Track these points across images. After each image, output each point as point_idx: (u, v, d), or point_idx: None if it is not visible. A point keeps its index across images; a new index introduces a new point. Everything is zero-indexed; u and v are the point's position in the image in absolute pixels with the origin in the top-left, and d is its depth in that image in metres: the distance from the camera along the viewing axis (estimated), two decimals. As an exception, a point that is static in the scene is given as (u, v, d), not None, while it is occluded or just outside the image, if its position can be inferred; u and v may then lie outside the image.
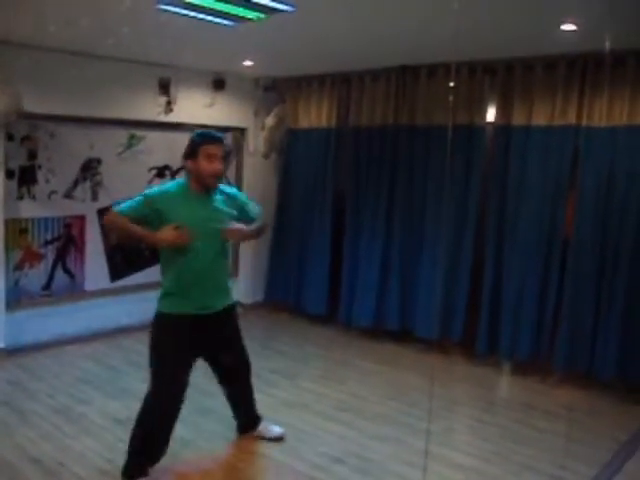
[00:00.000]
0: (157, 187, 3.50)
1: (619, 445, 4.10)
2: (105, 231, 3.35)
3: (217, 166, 3.33)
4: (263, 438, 3.92)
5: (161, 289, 3.45)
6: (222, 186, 3.55)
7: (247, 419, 3.95)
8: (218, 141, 3.39)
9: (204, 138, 3.36)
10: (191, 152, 3.35)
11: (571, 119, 4.96)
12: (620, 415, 4.58)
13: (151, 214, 3.28)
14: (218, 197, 3.47)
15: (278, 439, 3.91)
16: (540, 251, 5.16)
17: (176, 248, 3.29)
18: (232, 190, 3.66)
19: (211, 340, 3.52)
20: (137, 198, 3.35)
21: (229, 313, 3.61)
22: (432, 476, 3.56)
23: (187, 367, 3.46)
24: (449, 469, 3.71)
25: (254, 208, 3.70)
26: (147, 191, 3.41)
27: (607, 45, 3.63)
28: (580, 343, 4.95)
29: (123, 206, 3.33)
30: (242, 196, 3.71)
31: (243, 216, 3.58)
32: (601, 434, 4.25)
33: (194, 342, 3.44)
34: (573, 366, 5.02)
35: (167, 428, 3.42)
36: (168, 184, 3.52)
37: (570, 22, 3.93)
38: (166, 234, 3.24)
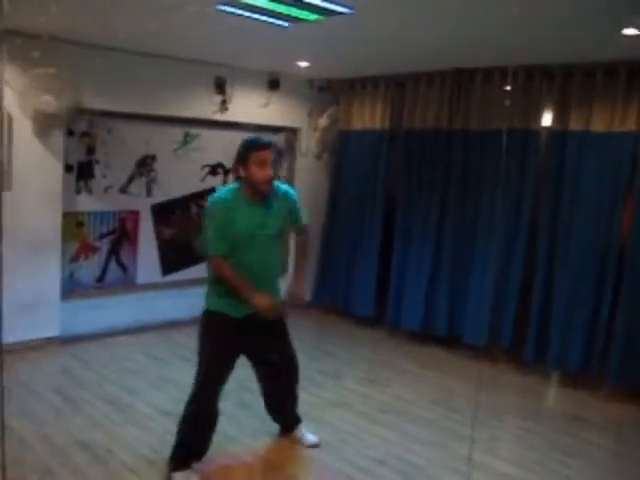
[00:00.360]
0: (215, 201, 3.41)
1: (671, 463, 3.98)
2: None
3: (268, 172, 3.32)
4: (298, 442, 3.90)
5: (209, 287, 3.48)
6: (276, 183, 3.51)
7: (285, 420, 3.94)
8: (267, 147, 3.37)
9: (253, 144, 3.35)
10: (241, 159, 3.35)
11: (631, 126, 4.83)
12: (674, 432, 4.45)
13: (227, 227, 3.32)
14: (271, 199, 3.45)
15: (314, 446, 3.88)
16: (594, 260, 5.04)
17: (237, 251, 3.33)
18: (286, 188, 3.62)
19: (258, 341, 3.54)
20: (217, 225, 3.31)
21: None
22: (475, 483, 3.54)
23: (231, 366, 3.51)
24: (493, 477, 3.66)
25: (303, 213, 3.69)
26: (213, 211, 3.37)
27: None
28: (634, 356, 4.82)
29: (218, 247, 3.31)
30: (294, 196, 3.64)
31: (292, 220, 3.60)
32: (653, 451, 4.14)
33: (241, 342, 3.48)
34: (626, 380, 4.89)
35: (209, 423, 3.47)
36: (222, 193, 3.45)
37: (633, 26, 3.83)
38: (263, 303, 3.32)
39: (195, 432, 3.46)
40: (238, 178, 3.43)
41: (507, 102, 5.46)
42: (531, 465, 3.86)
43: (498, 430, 4.39)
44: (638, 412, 4.78)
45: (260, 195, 3.38)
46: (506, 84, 5.43)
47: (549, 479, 3.69)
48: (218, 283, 3.40)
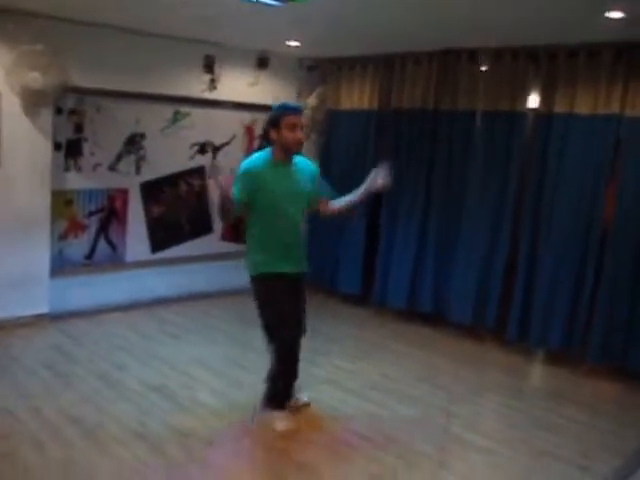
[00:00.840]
0: (247, 161, 3.68)
1: (646, 438, 4.11)
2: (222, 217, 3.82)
3: (299, 134, 3.56)
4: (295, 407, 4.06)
5: (253, 253, 3.72)
6: (298, 157, 3.75)
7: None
8: (298, 111, 3.62)
9: (285, 109, 3.59)
10: (274, 123, 3.57)
11: (615, 108, 4.89)
12: (650, 408, 4.58)
13: (253, 187, 3.55)
14: (297, 165, 3.72)
15: (306, 405, 4.11)
16: (577, 240, 5.13)
17: (268, 212, 3.61)
18: (306, 161, 3.86)
19: (296, 297, 3.81)
20: (241, 179, 3.56)
21: (304, 278, 3.92)
22: (456, 458, 3.64)
23: (296, 317, 3.78)
24: (474, 452, 3.76)
25: (326, 187, 3.91)
26: (244, 168, 3.61)
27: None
28: (615, 334, 4.93)
29: (236, 195, 3.51)
30: (316, 169, 3.91)
31: (313, 188, 3.80)
32: (629, 426, 4.25)
33: (291, 294, 3.75)
34: (606, 358, 5.01)
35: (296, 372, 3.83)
36: (255, 156, 3.70)
37: (617, 9, 3.88)
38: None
39: (287, 384, 3.83)
40: (268, 143, 3.66)
41: (490, 83, 5.51)
42: (511, 441, 3.97)
43: (481, 407, 4.49)
44: (616, 389, 4.91)
45: (289, 157, 3.63)
46: (492, 66, 5.47)
47: (528, 454, 3.79)
48: (263, 247, 3.67)
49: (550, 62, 5.23)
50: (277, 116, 3.57)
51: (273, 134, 3.58)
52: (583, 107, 5.05)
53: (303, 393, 4.13)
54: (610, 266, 4.94)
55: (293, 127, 3.53)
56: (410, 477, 3.46)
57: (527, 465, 3.66)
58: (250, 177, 3.57)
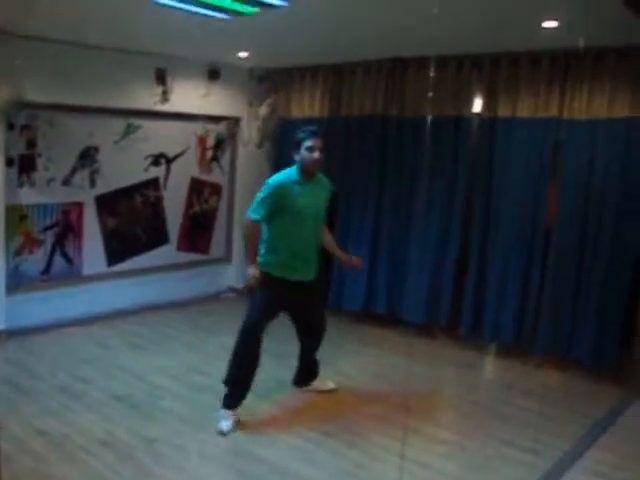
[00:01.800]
0: (273, 179, 4.07)
1: (593, 422, 4.34)
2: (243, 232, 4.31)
3: (315, 156, 3.98)
4: (317, 390, 4.59)
5: (266, 254, 4.10)
6: (321, 175, 4.21)
7: (308, 373, 4.63)
8: (314, 135, 4.02)
9: (305, 133, 4.03)
10: (296, 145, 4.04)
11: (553, 112, 5.16)
12: (595, 394, 4.83)
13: (275, 205, 3.97)
14: (318, 183, 4.17)
15: (333, 390, 4.62)
16: (523, 239, 5.37)
17: (289, 224, 4.02)
18: (327, 180, 4.30)
19: (301, 302, 4.23)
20: (266, 196, 3.98)
21: (316, 283, 4.31)
22: (416, 450, 3.79)
23: (272, 318, 4.15)
24: (432, 443, 3.94)
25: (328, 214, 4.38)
26: (269, 188, 4.00)
27: (581, 42, 3.81)
28: (560, 327, 5.18)
29: (257, 212, 3.99)
30: (332, 189, 4.36)
31: (328, 205, 4.30)
32: (576, 412, 4.49)
33: (286, 301, 4.16)
34: (553, 349, 5.25)
35: (253, 361, 4.07)
36: (282, 174, 4.10)
37: (552, 19, 4.12)
38: (250, 275, 4.03)
39: (240, 371, 4.05)
40: (294, 162, 4.08)
41: (437, 90, 5.72)
42: (467, 431, 4.16)
43: (437, 400, 4.68)
44: (565, 378, 5.17)
45: (309, 175, 4.05)
46: (439, 73, 5.68)
47: (483, 442, 3.99)
48: (278, 252, 4.06)
49: (493, 69, 5.47)
50: (298, 139, 4.03)
51: (296, 155, 4.03)
52: (524, 111, 5.30)
53: (328, 380, 4.65)
54: (554, 263, 5.19)
55: (311, 149, 3.97)
56: (375, 470, 3.61)
57: (484, 453, 3.85)
58: (277, 194, 3.97)
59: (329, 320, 6.39)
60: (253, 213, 4.00)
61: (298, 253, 4.07)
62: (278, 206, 3.97)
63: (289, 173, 4.09)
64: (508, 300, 5.46)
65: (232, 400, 4.03)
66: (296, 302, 4.21)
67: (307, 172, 4.04)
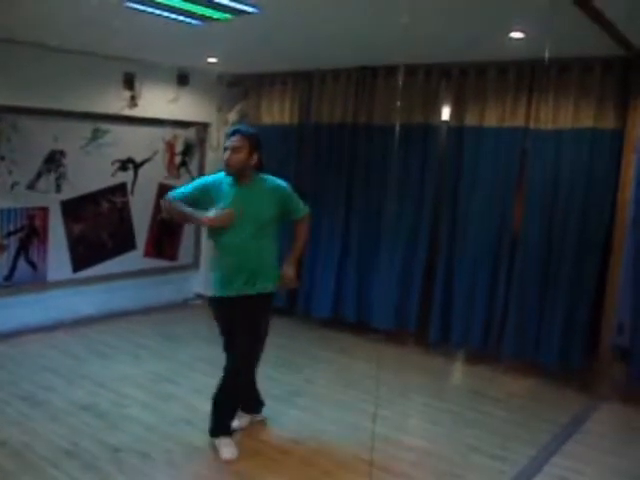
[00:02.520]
0: (207, 176, 3.93)
1: (559, 428, 4.38)
2: (161, 212, 4.09)
3: (225, 156, 3.66)
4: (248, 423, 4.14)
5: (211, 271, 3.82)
6: (270, 177, 3.82)
7: (253, 401, 4.16)
8: (232, 134, 3.71)
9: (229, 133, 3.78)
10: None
11: (520, 121, 5.23)
12: (561, 400, 4.89)
13: (202, 197, 3.70)
14: (261, 187, 3.74)
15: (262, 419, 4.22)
16: (490, 247, 5.42)
17: (218, 230, 3.66)
18: (278, 182, 3.84)
19: (237, 319, 3.72)
20: (192, 186, 3.82)
21: (260, 299, 3.73)
22: (385, 457, 3.78)
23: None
24: (401, 450, 3.94)
25: (300, 206, 3.92)
26: (200, 180, 3.89)
27: (547, 54, 3.86)
28: (526, 333, 5.24)
29: (177, 193, 3.81)
30: (287, 189, 3.85)
31: (287, 211, 3.83)
32: (543, 418, 4.53)
33: (231, 321, 3.75)
34: (520, 355, 5.31)
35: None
36: (219, 173, 3.79)
37: (518, 30, 4.18)
38: (211, 218, 3.62)
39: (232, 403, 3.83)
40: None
41: (406, 98, 5.76)
42: (435, 437, 4.17)
43: (406, 407, 4.68)
44: (532, 384, 5.21)
45: (236, 176, 3.68)
46: (407, 81, 5.72)
47: (452, 448, 4.00)
48: (214, 267, 3.76)
49: (461, 78, 5.53)
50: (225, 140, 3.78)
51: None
52: (492, 120, 5.36)
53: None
54: (520, 269, 5.25)
55: (226, 150, 3.67)
56: (344, 477, 3.59)
57: (451, 459, 3.86)
58: (205, 188, 3.74)
59: (298, 327, 6.48)
60: (174, 194, 3.81)
61: (233, 262, 3.64)
62: (203, 201, 3.67)
63: (221, 174, 3.77)
64: (475, 306, 5.51)
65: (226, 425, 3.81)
66: (236, 319, 3.72)
67: (228, 173, 3.68)
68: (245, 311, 3.69)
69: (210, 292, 3.81)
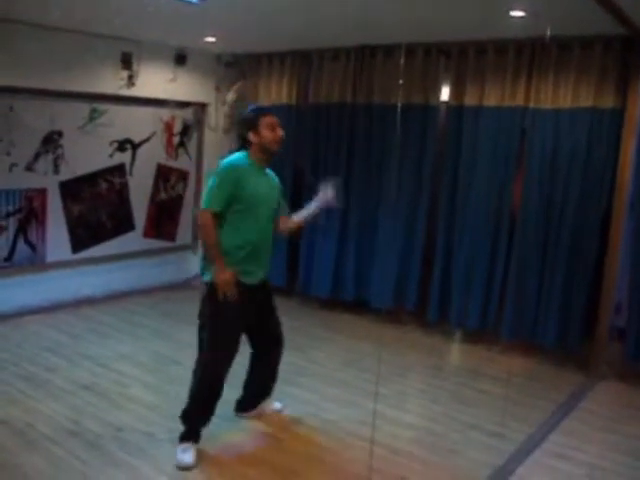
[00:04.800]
0: (228, 164, 3.48)
1: (556, 406, 4.43)
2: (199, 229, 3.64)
3: (279, 132, 3.54)
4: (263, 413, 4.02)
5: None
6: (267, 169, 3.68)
7: (258, 396, 4.00)
8: (272, 113, 3.62)
9: (261, 111, 3.68)
10: (251, 125, 3.50)
11: (519, 100, 5.21)
12: (559, 379, 4.94)
13: (234, 189, 3.40)
14: (270, 175, 3.68)
15: (279, 412, 4.05)
16: (489, 226, 5.43)
17: (246, 215, 3.45)
18: (273, 174, 3.75)
19: (257, 309, 3.65)
20: (221, 183, 3.39)
21: (267, 285, 3.75)
22: (384, 434, 3.82)
23: (241, 334, 3.63)
24: (400, 428, 3.98)
25: (284, 204, 3.83)
26: (225, 170, 3.44)
27: (548, 32, 3.86)
28: (524, 313, 5.27)
29: (215, 203, 3.38)
30: (279, 184, 3.80)
31: (280, 200, 3.75)
32: (540, 396, 4.58)
33: (247, 310, 3.57)
34: (518, 335, 5.34)
35: (218, 395, 3.55)
36: (234, 157, 3.53)
37: (519, 8, 4.16)
38: (224, 279, 3.39)
39: (208, 403, 3.55)
40: (244, 147, 3.54)
41: (405, 78, 5.73)
42: (434, 415, 4.22)
43: (404, 386, 4.72)
44: (529, 363, 5.25)
45: (266, 160, 3.58)
46: (406, 61, 5.69)
47: (449, 426, 4.05)
48: (230, 253, 3.44)
49: (460, 58, 5.51)
50: (254, 118, 3.52)
51: (252, 136, 3.49)
52: (491, 100, 5.35)
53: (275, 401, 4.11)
54: (518, 250, 5.26)
55: (272, 126, 3.50)
56: (345, 455, 3.64)
57: (450, 437, 3.91)
58: (234, 177, 3.41)
59: (297, 306, 6.51)
60: (211, 204, 3.39)
61: (256, 249, 3.51)
62: (235, 193, 3.40)
63: (243, 158, 3.53)
64: (474, 286, 5.53)
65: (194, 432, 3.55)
66: (256, 309, 3.65)
67: (268, 154, 3.54)
68: (271, 294, 3.79)
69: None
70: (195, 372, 3.56)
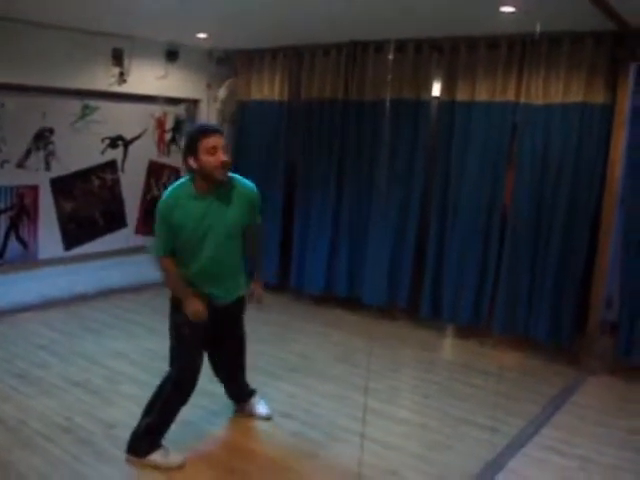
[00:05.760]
0: (162, 200, 3.28)
1: (548, 400, 4.46)
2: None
3: (221, 157, 3.16)
4: (250, 414, 3.96)
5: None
6: (238, 177, 3.40)
7: (241, 391, 3.98)
8: (216, 131, 3.24)
9: (200, 131, 3.23)
10: (190, 149, 3.18)
11: (510, 96, 5.22)
12: (550, 373, 4.96)
13: (170, 228, 3.24)
14: (228, 191, 3.31)
15: (266, 418, 3.94)
16: (481, 221, 5.44)
17: (188, 250, 3.29)
18: (248, 185, 3.42)
19: (218, 328, 3.55)
20: (159, 226, 3.28)
21: (239, 304, 3.62)
22: (376, 429, 3.84)
23: (202, 350, 3.56)
24: (392, 423, 4.00)
25: (258, 212, 3.54)
26: (159, 209, 3.27)
27: (538, 27, 3.86)
28: (516, 308, 5.29)
29: (159, 248, 3.31)
30: (256, 195, 3.45)
31: (249, 217, 3.43)
32: (532, 390, 4.60)
33: (207, 329, 3.46)
34: (510, 329, 5.36)
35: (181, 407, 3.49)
36: (171, 190, 3.30)
37: (508, 4, 4.16)
38: (192, 309, 3.31)
39: (170, 415, 3.49)
40: (190, 172, 3.26)
41: (396, 73, 5.74)
42: (425, 410, 4.24)
43: (396, 381, 4.74)
44: (521, 358, 5.28)
45: (215, 185, 3.23)
46: (397, 57, 5.70)
47: (441, 420, 4.07)
48: (185, 276, 3.36)
49: (452, 53, 5.51)
50: (193, 141, 3.18)
51: (191, 162, 3.18)
52: (483, 95, 5.36)
53: (262, 404, 4.01)
54: (510, 244, 5.28)
55: (213, 150, 3.14)
56: (336, 449, 3.65)
57: (442, 431, 3.93)
58: (167, 215, 3.22)
59: (290, 303, 6.52)
60: (157, 251, 3.31)
61: (209, 278, 3.37)
62: (173, 231, 3.23)
63: (182, 187, 3.27)
64: (466, 281, 5.54)
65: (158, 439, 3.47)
66: (216, 328, 3.54)
67: (211, 181, 3.20)
68: (233, 314, 3.65)
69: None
70: (164, 385, 3.48)
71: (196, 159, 3.17)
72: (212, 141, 3.15)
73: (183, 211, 3.21)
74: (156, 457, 3.38)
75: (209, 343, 3.61)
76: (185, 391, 3.46)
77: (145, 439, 3.41)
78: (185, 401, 3.47)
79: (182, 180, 3.34)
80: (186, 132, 3.20)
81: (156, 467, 3.36)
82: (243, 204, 3.35)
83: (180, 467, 3.38)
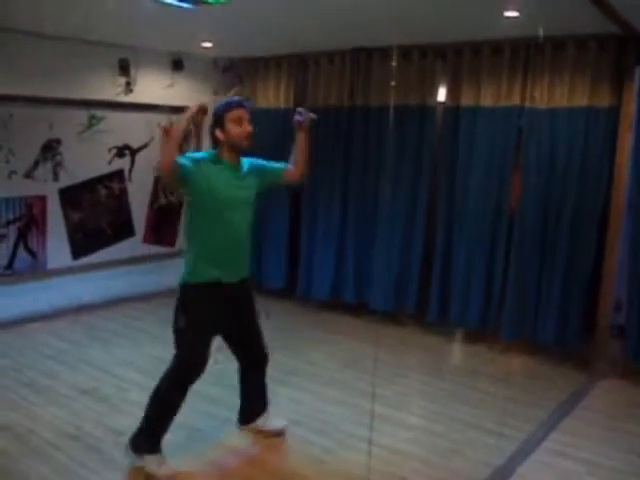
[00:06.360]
0: (196, 156, 3.36)
1: (557, 404, 4.43)
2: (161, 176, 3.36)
3: (247, 127, 3.33)
4: (262, 430, 3.85)
5: (186, 260, 3.40)
6: (243, 158, 3.50)
7: (255, 409, 3.87)
8: (241, 105, 3.37)
9: (227, 105, 3.34)
10: (217, 121, 3.32)
11: (515, 100, 5.23)
12: (559, 378, 4.93)
13: (194, 172, 3.21)
14: (244, 166, 3.46)
15: (279, 434, 3.85)
16: (488, 226, 5.44)
17: (211, 217, 3.29)
18: (250, 159, 3.56)
19: (233, 311, 3.52)
20: (187, 161, 3.23)
21: (245, 287, 3.58)
22: (384, 435, 3.83)
23: (211, 338, 3.47)
24: (400, 429, 3.99)
25: (277, 163, 3.72)
26: (193, 158, 3.29)
27: (541, 32, 3.86)
28: (524, 312, 5.27)
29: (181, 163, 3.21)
30: (259, 160, 3.61)
31: (269, 175, 3.62)
32: (540, 395, 4.58)
33: (221, 311, 3.44)
34: (518, 334, 5.34)
35: (182, 401, 3.43)
36: (201, 153, 3.46)
37: (512, 9, 4.17)
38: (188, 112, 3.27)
39: (172, 409, 3.43)
40: (215, 145, 3.37)
41: (401, 79, 5.75)
42: (434, 416, 4.22)
43: (404, 386, 4.73)
44: (529, 362, 5.26)
45: (239, 155, 3.39)
46: (402, 63, 5.71)
47: (449, 426, 4.06)
48: (198, 252, 3.34)
49: (456, 58, 5.52)
50: (220, 113, 3.31)
51: (219, 134, 3.31)
52: (487, 100, 5.36)
53: (276, 417, 3.91)
54: (517, 249, 5.27)
55: (239, 120, 3.30)
56: (344, 456, 3.65)
57: (450, 437, 3.92)
58: (196, 170, 3.22)
59: (298, 309, 6.52)
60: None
61: (226, 248, 3.37)
62: (197, 189, 3.25)
63: (211, 155, 3.37)
64: (474, 286, 5.53)
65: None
66: (232, 310, 3.53)
67: (236, 151, 3.35)
68: (244, 297, 3.60)
69: (194, 279, 3.37)
70: (164, 379, 3.46)
71: (223, 130, 3.30)
72: (237, 113, 3.31)
73: (209, 175, 3.27)
74: (151, 462, 3.36)
75: (232, 342, 3.64)
76: (188, 377, 3.39)
77: (143, 435, 3.40)
78: (184, 391, 3.39)
79: (205, 153, 3.42)
80: (214, 107, 3.35)
81: (151, 475, 3.33)
82: (255, 174, 3.51)
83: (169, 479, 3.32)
